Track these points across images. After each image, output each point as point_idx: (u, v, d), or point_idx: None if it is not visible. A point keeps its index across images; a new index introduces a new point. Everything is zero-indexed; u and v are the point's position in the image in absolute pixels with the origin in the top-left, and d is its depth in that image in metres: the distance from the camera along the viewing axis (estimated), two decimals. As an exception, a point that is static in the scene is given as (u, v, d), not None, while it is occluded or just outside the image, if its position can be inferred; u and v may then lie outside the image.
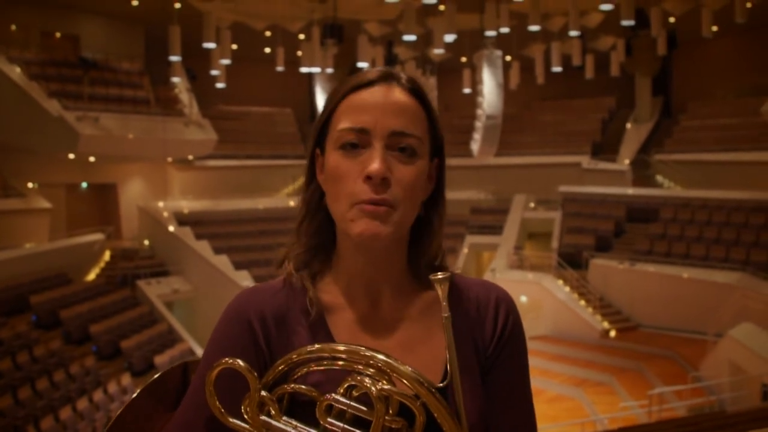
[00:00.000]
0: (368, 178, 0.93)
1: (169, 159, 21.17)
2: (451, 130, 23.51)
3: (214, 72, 20.30)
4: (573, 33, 18.49)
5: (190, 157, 21.83)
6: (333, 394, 0.88)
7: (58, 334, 14.46)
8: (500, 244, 20.05)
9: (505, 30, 17.68)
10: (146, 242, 20.15)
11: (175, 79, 20.61)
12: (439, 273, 0.93)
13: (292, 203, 20.85)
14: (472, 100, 21.39)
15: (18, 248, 16.30)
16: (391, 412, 0.87)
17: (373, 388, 0.86)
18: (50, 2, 19.62)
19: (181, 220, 20.10)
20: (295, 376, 0.92)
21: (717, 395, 12.46)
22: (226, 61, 19.65)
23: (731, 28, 19.54)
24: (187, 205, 21.09)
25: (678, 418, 10.72)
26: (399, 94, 0.98)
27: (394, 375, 0.87)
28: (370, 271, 1.00)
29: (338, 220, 0.98)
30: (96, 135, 17.56)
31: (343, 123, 0.97)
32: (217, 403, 0.91)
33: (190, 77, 21.17)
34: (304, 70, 20.20)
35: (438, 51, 18.82)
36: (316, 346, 0.90)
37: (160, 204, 20.85)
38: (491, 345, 1.01)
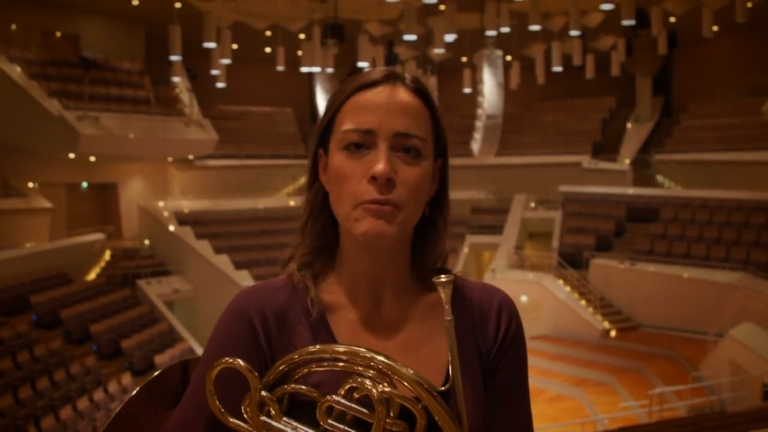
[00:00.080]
0: (373, 178, 0.92)
1: (170, 159, 21.17)
2: (451, 130, 23.07)
3: (214, 72, 20.32)
4: (573, 33, 18.48)
5: (191, 157, 21.83)
6: (334, 396, 0.88)
7: (59, 333, 14.46)
8: (501, 244, 20.04)
9: (505, 30, 17.68)
10: (147, 242, 20.15)
11: (176, 79, 20.64)
12: (442, 276, 0.93)
13: (292, 203, 20.85)
14: (473, 100, 21.41)
15: (18, 248, 16.30)
16: (392, 414, 0.86)
17: (374, 391, 0.85)
18: (51, 2, 19.59)
19: (182, 219, 20.11)
20: (296, 377, 0.91)
21: (717, 395, 12.46)
22: (226, 61, 19.66)
23: (732, 27, 19.52)
24: (187, 205, 21.10)
25: (678, 418, 10.73)
26: (403, 95, 0.97)
27: (395, 377, 0.87)
28: (374, 270, 0.99)
29: (342, 221, 0.97)
30: (96, 135, 17.55)
31: (347, 124, 0.96)
32: (217, 402, 0.91)
33: (191, 77, 21.15)
34: (304, 69, 20.21)
35: (438, 51, 18.83)
36: (317, 346, 0.90)
37: (161, 204, 20.86)
38: (493, 349, 1.01)
